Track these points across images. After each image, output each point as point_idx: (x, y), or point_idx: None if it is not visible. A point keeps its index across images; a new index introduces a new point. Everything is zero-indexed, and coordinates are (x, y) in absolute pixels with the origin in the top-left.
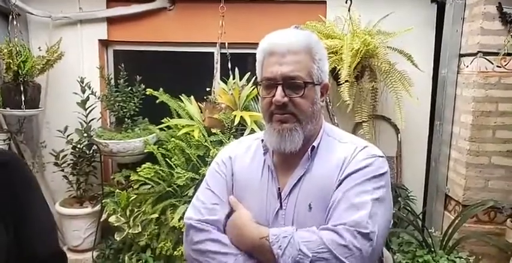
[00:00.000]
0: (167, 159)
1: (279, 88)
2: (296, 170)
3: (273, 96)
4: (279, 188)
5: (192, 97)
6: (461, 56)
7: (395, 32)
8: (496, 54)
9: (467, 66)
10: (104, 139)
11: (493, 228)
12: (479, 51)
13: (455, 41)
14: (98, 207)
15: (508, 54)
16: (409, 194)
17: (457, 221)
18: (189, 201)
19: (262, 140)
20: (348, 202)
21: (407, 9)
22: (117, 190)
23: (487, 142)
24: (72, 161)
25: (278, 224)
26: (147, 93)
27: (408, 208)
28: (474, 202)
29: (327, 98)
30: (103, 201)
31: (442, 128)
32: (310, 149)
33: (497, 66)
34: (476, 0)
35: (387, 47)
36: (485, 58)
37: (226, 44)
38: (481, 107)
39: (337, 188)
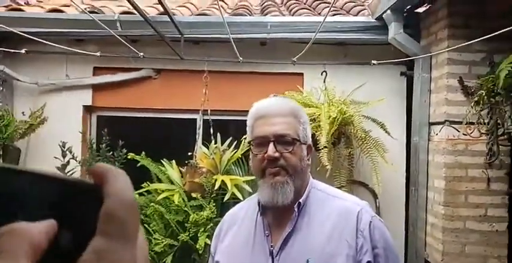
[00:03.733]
0: (145, 225)
1: (271, 144)
2: (287, 227)
3: (265, 152)
4: (271, 245)
5: (173, 161)
6: (430, 124)
7: (368, 102)
8: (462, 123)
9: (437, 134)
10: None
11: None
12: (446, 120)
13: (424, 111)
14: None
15: (471, 123)
16: None
17: None
18: None
19: (259, 201)
20: None
21: (378, 81)
22: None
23: (461, 206)
24: None
25: None
26: (129, 157)
27: None
28: None
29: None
30: None
31: (418, 193)
32: (296, 205)
33: (463, 134)
34: (440, 74)
35: (362, 115)
36: (452, 126)
37: (209, 111)
38: (452, 173)
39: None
